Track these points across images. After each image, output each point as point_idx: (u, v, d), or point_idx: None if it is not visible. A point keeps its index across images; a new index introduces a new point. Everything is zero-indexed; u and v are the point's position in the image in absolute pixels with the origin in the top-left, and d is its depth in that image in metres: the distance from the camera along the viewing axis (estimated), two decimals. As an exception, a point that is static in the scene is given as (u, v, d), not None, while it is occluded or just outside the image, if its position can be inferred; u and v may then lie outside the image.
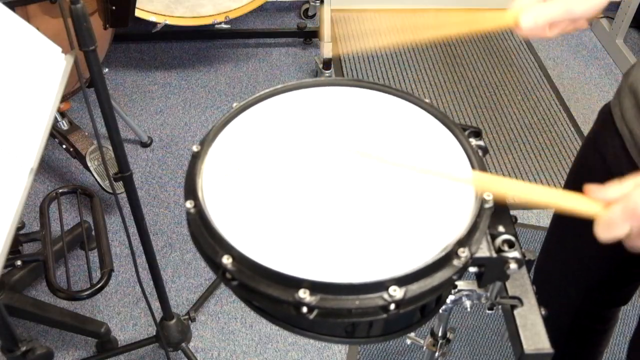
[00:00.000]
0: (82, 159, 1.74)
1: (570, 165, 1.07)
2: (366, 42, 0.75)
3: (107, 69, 2.32)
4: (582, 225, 0.56)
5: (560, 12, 0.73)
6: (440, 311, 0.81)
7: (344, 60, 2.55)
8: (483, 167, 0.65)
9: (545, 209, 1.97)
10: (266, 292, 0.54)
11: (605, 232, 0.55)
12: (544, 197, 0.60)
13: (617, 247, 0.57)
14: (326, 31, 2.27)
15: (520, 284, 0.66)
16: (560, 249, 1.11)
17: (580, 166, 1.03)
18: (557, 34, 0.77)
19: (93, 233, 1.33)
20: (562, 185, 1.07)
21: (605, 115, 0.94)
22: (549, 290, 1.16)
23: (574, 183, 1.04)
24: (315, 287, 0.53)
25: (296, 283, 0.53)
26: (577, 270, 1.08)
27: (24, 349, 0.88)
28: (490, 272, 0.62)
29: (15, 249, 1.22)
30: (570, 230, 1.04)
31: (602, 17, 2.72)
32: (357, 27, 2.73)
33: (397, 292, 0.53)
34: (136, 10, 1.91)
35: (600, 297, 1.11)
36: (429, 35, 0.73)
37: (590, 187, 0.56)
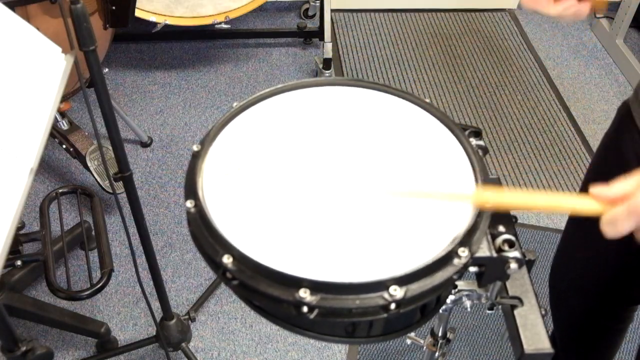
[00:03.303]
0: (82, 159, 1.74)
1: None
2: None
3: (107, 69, 2.32)
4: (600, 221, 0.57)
5: None
6: (440, 311, 0.81)
7: (344, 60, 2.55)
8: (483, 168, 0.65)
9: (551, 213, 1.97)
10: (266, 292, 0.54)
11: (610, 230, 0.56)
12: (547, 203, 0.60)
13: (637, 244, 0.57)
14: (326, 31, 2.27)
15: (521, 283, 0.66)
16: (578, 246, 1.11)
17: (599, 164, 1.03)
18: (561, 12, 0.77)
19: (93, 233, 1.33)
20: (581, 181, 1.07)
21: (624, 113, 0.94)
22: (565, 288, 1.15)
23: (593, 181, 1.04)
24: (315, 286, 0.53)
25: (296, 282, 0.53)
26: (595, 267, 1.07)
27: (24, 349, 0.87)
28: (491, 271, 0.62)
29: (15, 249, 1.21)
30: (589, 226, 1.03)
31: (602, 17, 2.72)
32: (357, 27, 2.73)
33: (397, 292, 0.53)
34: (136, 10, 1.91)
35: (618, 294, 1.10)
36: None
37: (594, 187, 0.57)
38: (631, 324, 1.20)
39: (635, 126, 0.90)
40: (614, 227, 0.55)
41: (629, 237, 0.56)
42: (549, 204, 0.61)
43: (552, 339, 0.79)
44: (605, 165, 1.00)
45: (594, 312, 1.14)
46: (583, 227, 1.07)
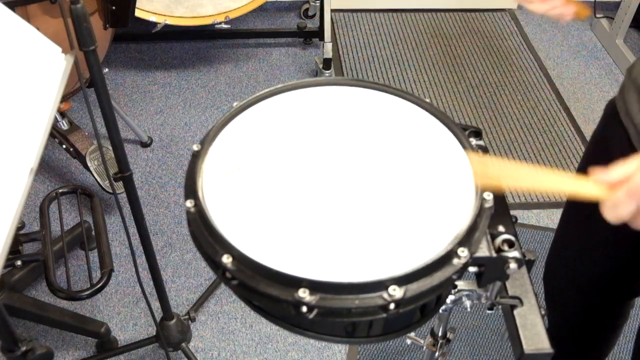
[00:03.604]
0: (82, 159, 1.74)
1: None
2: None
3: (107, 69, 2.32)
4: (595, 214, 0.57)
5: None
6: (440, 311, 0.81)
7: (344, 60, 2.55)
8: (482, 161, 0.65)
9: (550, 205, 1.97)
10: (266, 292, 0.54)
11: (611, 213, 0.56)
12: (549, 182, 0.60)
13: (632, 235, 0.57)
14: (326, 31, 2.27)
15: (520, 283, 0.66)
16: (572, 240, 1.11)
17: (587, 162, 1.03)
18: (545, 11, 0.80)
19: (93, 233, 1.33)
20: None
21: (610, 111, 0.95)
22: (560, 285, 1.15)
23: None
24: (314, 286, 0.53)
25: (296, 282, 0.53)
26: (590, 260, 1.07)
27: (24, 349, 0.87)
28: (490, 271, 0.62)
29: (15, 249, 1.22)
30: (582, 220, 1.03)
31: (602, 17, 2.72)
32: (357, 27, 2.73)
33: (396, 292, 0.53)
34: (136, 10, 1.91)
35: (613, 287, 1.09)
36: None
37: (595, 171, 0.57)
38: (628, 321, 1.20)
39: (621, 123, 0.90)
40: (615, 210, 0.55)
41: (623, 229, 0.56)
42: (551, 184, 0.61)
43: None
44: (593, 163, 1.01)
45: (590, 307, 1.14)
46: (576, 221, 1.07)
